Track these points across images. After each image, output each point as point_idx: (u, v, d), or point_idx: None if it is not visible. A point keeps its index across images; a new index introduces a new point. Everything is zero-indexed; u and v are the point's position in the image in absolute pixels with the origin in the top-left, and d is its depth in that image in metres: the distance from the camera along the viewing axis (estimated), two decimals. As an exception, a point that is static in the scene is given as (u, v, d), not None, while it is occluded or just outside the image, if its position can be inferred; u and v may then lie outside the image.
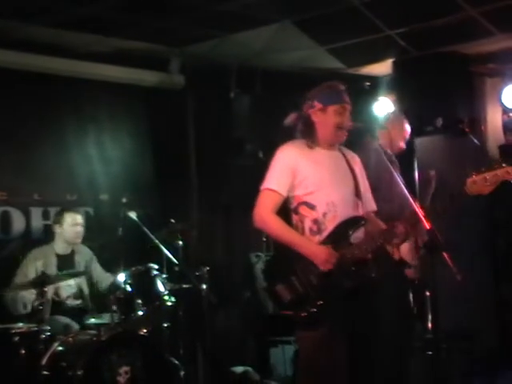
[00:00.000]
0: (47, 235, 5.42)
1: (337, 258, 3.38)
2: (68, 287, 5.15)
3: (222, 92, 6.34)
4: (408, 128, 4.61)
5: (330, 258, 3.38)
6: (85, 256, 5.34)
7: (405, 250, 4.02)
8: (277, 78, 6.35)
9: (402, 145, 4.52)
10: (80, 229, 5.27)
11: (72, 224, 5.22)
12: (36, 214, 5.63)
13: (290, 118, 3.65)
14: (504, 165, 3.24)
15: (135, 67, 6.11)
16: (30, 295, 4.80)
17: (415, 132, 5.61)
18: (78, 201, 5.84)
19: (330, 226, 3.46)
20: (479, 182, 3.26)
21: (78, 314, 5.11)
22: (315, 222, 3.47)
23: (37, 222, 5.64)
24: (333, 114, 3.53)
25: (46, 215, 5.66)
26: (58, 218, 5.27)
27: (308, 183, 3.48)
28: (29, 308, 4.84)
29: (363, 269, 3.41)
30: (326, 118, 3.54)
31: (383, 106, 5.70)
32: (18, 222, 5.55)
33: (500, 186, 3.25)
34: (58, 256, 5.21)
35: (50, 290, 4.80)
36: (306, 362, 3.47)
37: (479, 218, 5.88)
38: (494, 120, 5.95)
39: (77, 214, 5.29)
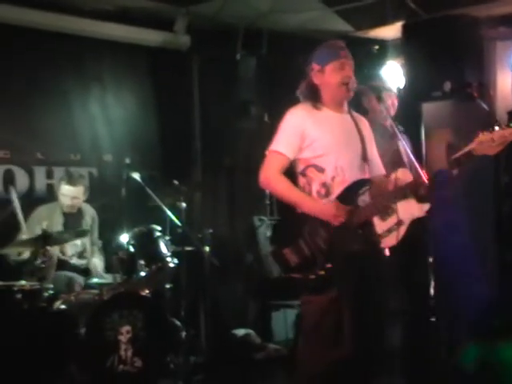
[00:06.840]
0: (51, 194, 5.40)
1: (347, 212, 3.33)
2: (74, 246, 5.15)
3: (228, 53, 6.25)
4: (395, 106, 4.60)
5: (340, 211, 3.34)
6: (91, 216, 5.34)
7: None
8: (283, 39, 6.26)
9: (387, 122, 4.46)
10: (74, 201, 5.18)
11: (65, 195, 5.16)
12: (39, 173, 5.59)
13: (300, 88, 3.59)
14: None
15: (140, 26, 6.01)
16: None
17: (423, 97, 5.54)
18: (81, 161, 5.80)
19: (337, 190, 3.42)
20: (486, 143, 3.19)
21: (82, 273, 5.12)
22: (323, 185, 3.45)
23: (40, 181, 5.59)
24: (331, 72, 3.48)
25: (49, 174, 5.62)
26: (57, 185, 5.24)
27: (317, 146, 3.44)
28: (25, 256, 4.83)
29: (370, 232, 3.37)
30: (325, 77, 3.50)
31: (391, 70, 5.62)
32: (21, 181, 5.50)
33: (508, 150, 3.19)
34: (65, 214, 5.20)
35: (55, 247, 4.80)
36: (311, 325, 3.43)
37: (486, 183, 5.80)
38: (504, 85, 5.82)
39: (75, 186, 5.16)
